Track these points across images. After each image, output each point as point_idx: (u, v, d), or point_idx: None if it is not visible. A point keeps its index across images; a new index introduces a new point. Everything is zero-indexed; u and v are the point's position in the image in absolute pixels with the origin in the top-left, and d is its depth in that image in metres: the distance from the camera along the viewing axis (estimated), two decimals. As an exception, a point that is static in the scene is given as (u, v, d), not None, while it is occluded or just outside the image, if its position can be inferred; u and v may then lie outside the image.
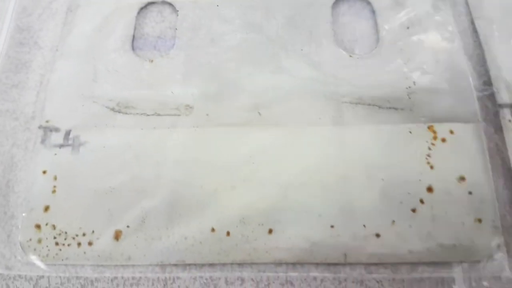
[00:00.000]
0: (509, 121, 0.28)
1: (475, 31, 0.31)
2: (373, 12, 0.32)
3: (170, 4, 0.34)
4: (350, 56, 0.31)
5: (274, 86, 0.30)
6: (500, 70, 0.29)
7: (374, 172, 0.27)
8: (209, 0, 0.33)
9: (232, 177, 0.27)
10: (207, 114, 0.29)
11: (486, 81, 0.29)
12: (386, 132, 0.28)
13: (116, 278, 0.26)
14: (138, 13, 0.33)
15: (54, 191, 0.27)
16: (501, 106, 0.28)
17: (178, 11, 0.33)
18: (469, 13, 0.32)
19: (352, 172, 0.27)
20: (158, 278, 0.26)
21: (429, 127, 0.28)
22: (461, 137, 0.27)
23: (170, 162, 0.28)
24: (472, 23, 0.31)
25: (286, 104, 0.29)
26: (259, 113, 0.29)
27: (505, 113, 0.28)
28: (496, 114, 0.29)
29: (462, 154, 0.27)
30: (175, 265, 0.26)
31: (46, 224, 0.27)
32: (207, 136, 0.28)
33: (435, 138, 0.28)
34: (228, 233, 0.26)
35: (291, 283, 0.26)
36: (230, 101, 0.29)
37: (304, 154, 0.28)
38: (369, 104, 0.29)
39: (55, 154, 0.28)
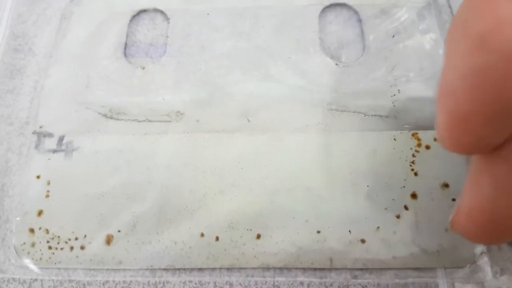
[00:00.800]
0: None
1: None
2: (359, 21, 0.33)
3: (161, 12, 0.34)
4: (337, 64, 0.31)
5: (263, 94, 0.30)
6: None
7: (359, 178, 0.27)
8: (199, 8, 0.33)
9: (221, 182, 0.28)
10: (198, 121, 0.30)
11: (471, 89, 0.29)
12: (371, 139, 0.28)
13: (107, 281, 0.27)
14: (131, 20, 0.34)
15: (47, 196, 0.28)
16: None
17: (169, 19, 0.33)
18: (454, 21, 0.32)
19: (337, 178, 0.27)
20: (149, 282, 0.27)
21: (413, 134, 0.28)
22: (445, 144, 0.28)
23: (160, 167, 0.28)
24: (457, 31, 0.31)
25: (274, 111, 0.29)
26: (248, 120, 0.29)
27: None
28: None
29: (446, 161, 0.27)
30: (165, 269, 0.26)
31: (40, 228, 0.27)
32: (197, 142, 0.29)
33: (419, 145, 0.28)
34: (217, 238, 0.26)
35: (278, 288, 0.26)
36: (220, 108, 0.30)
37: (291, 160, 0.28)
38: (355, 112, 0.29)
39: (49, 159, 0.29)
